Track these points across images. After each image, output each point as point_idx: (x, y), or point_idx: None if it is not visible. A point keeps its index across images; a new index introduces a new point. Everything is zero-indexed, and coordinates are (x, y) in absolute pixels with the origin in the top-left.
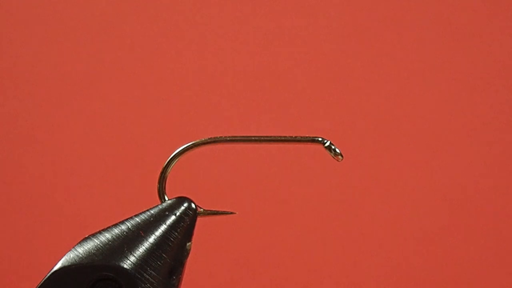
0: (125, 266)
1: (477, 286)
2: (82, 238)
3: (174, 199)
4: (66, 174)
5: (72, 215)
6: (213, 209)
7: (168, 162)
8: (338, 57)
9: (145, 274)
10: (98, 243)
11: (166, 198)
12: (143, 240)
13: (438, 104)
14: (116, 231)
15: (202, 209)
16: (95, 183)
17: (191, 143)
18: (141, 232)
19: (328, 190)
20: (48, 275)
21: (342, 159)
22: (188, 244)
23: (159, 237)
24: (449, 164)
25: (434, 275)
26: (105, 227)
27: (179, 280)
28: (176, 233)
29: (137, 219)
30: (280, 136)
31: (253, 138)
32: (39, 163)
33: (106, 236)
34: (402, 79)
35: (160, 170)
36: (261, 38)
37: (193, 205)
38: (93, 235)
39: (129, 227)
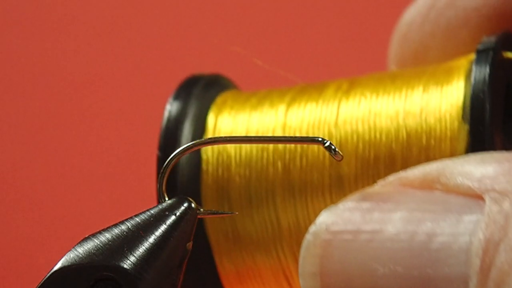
0: (125, 266)
1: None
2: (82, 238)
3: (174, 199)
4: (66, 174)
5: (72, 215)
6: (213, 209)
7: (168, 162)
8: (338, 57)
9: (145, 274)
10: (98, 243)
11: (166, 198)
12: (143, 240)
13: None
14: (116, 231)
15: (202, 209)
16: (95, 183)
17: (191, 143)
18: (141, 232)
19: None
20: (48, 275)
21: (342, 159)
22: (188, 244)
23: (159, 237)
24: None
25: None
26: (105, 227)
27: (179, 280)
28: (176, 233)
29: (137, 219)
30: (280, 136)
31: (253, 138)
32: (39, 163)
33: (106, 236)
34: None
35: (160, 170)
36: (261, 37)
37: (193, 205)
38: (93, 235)
39: (129, 227)
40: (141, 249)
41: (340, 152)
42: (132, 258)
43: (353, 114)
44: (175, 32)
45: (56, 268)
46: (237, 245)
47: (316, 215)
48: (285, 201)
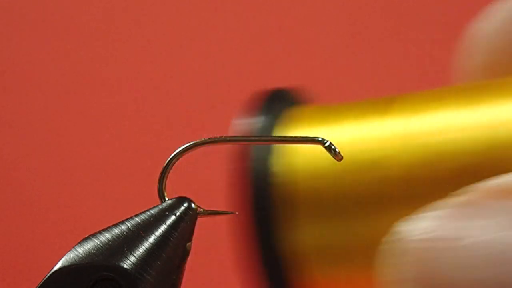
0: (125, 266)
1: None
2: (82, 238)
3: (174, 199)
4: (66, 174)
5: (72, 215)
6: (213, 209)
7: (168, 162)
8: (337, 57)
9: (145, 274)
10: (98, 243)
11: (166, 198)
12: (143, 240)
13: None
14: (116, 231)
15: (202, 209)
16: (95, 183)
17: (191, 143)
18: (141, 232)
19: None
20: (48, 275)
21: (342, 159)
22: (188, 244)
23: (159, 237)
24: None
25: None
26: (105, 227)
27: (179, 280)
28: (176, 233)
29: (137, 219)
30: (280, 136)
31: (253, 138)
32: (39, 163)
33: (106, 236)
34: (402, 80)
35: (160, 170)
36: (261, 38)
37: (193, 205)
38: (93, 235)
39: (129, 227)
40: (141, 249)
41: (341, 153)
42: (132, 258)
43: (431, 126)
44: (174, 33)
45: (56, 268)
46: (323, 258)
47: (395, 226)
48: (366, 213)
